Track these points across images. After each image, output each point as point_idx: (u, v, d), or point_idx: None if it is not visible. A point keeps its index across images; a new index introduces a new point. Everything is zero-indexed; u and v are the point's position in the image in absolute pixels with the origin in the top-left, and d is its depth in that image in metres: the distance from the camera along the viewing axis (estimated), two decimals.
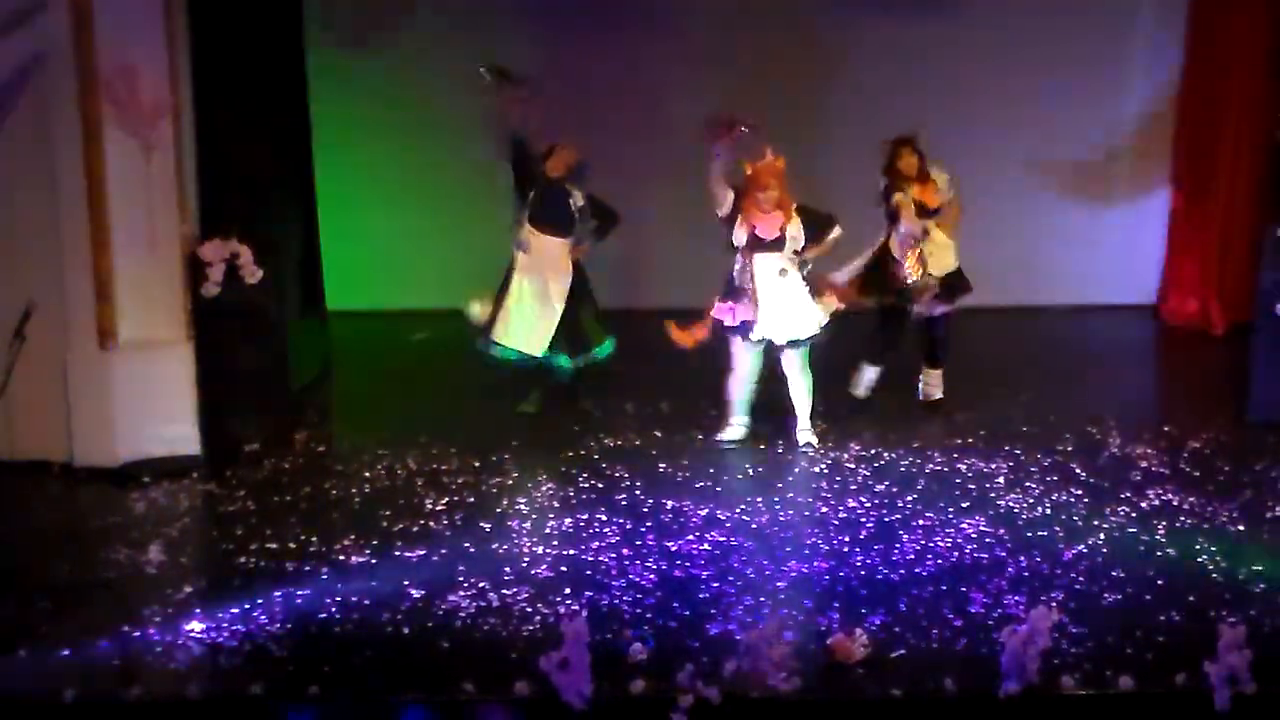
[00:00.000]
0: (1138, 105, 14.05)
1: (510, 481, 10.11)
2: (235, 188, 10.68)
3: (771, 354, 10.63)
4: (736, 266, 10.45)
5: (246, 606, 8.18)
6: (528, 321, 11.03)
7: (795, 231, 10.41)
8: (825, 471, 10.19)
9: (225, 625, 7.99)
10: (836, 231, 10.51)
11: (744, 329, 10.45)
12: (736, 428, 10.78)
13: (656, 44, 13.65)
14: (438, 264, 13.80)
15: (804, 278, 10.50)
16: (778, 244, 10.39)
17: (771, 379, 10.73)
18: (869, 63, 13.56)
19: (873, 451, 10.51)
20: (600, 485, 9.97)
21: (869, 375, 11.43)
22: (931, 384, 11.46)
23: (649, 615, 8.04)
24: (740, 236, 10.39)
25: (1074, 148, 14.02)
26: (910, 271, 10.80)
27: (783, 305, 10.43)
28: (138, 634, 7.92)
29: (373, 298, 13.95)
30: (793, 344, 10.53)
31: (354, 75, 13.53)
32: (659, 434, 10.85)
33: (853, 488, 9.88)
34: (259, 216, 10.84)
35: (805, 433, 10.73)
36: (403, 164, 13.87)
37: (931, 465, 10.25)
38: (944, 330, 11.31)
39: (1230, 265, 13.45)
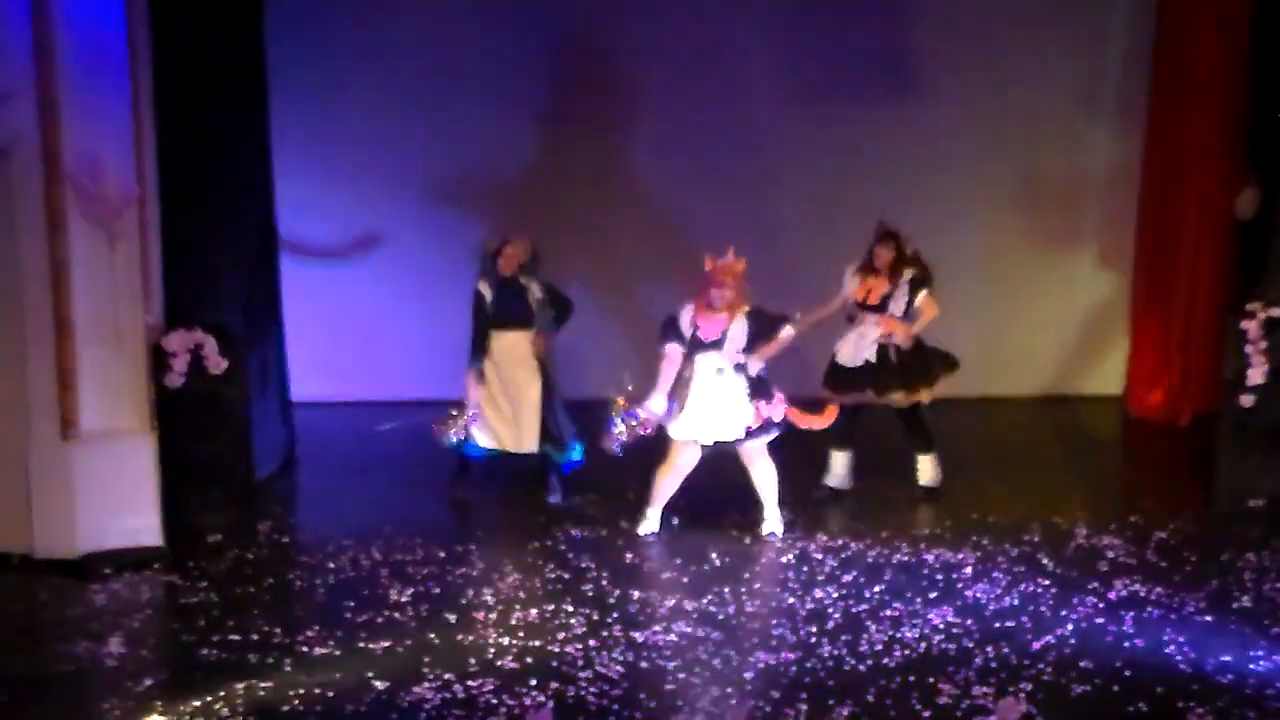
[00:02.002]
0: (1100, 199, 14.19)
1: (475, 572, 10.05)
2: (200, 278, 10.69)
3: (728, 448, 10.62)
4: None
5: (208, 699, 8.08)
6: (505, 420, 11.10)
7: (737, 333, 10.41)
8: (792, 562, 10.16)
9: (186, 718, 7.88)
10: (789, 331, 10.49)
11: (673, 426, 10.48)
12: (653, 522, 10.75)
13: (618, 133, 13.77)
14: (403, 355, 13.81)
15: (747, 381, 10.47)
16: (717, 344, 10.41)
17: (735, 470, 10.72)
18: (832, 153, 13.67)
19: (840, 542, 10.49)
20: (566, 576, 9.92)
21: (840, 462, 11.45)
22: (921, 470, 11.47)
23: (615, 707, 7.97)
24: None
25: (1039, 240, 14.13)
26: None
27: (716, 405, 10.43)
28: None
29: (337, 388, 13.92)
30: (731, 444, 10.52)
31: (323, 166, 13.58)
32: (625, 524, 10.80)
33: (820, 578, 9.84)
34: (224, 307, 10.84)
35: (771, 522, 10.71)
36: (369, 254, 13.90)
37: (899, 556, 10.23)
38: (909, 418, 11.33)
39: (1193, 357, 13.52)
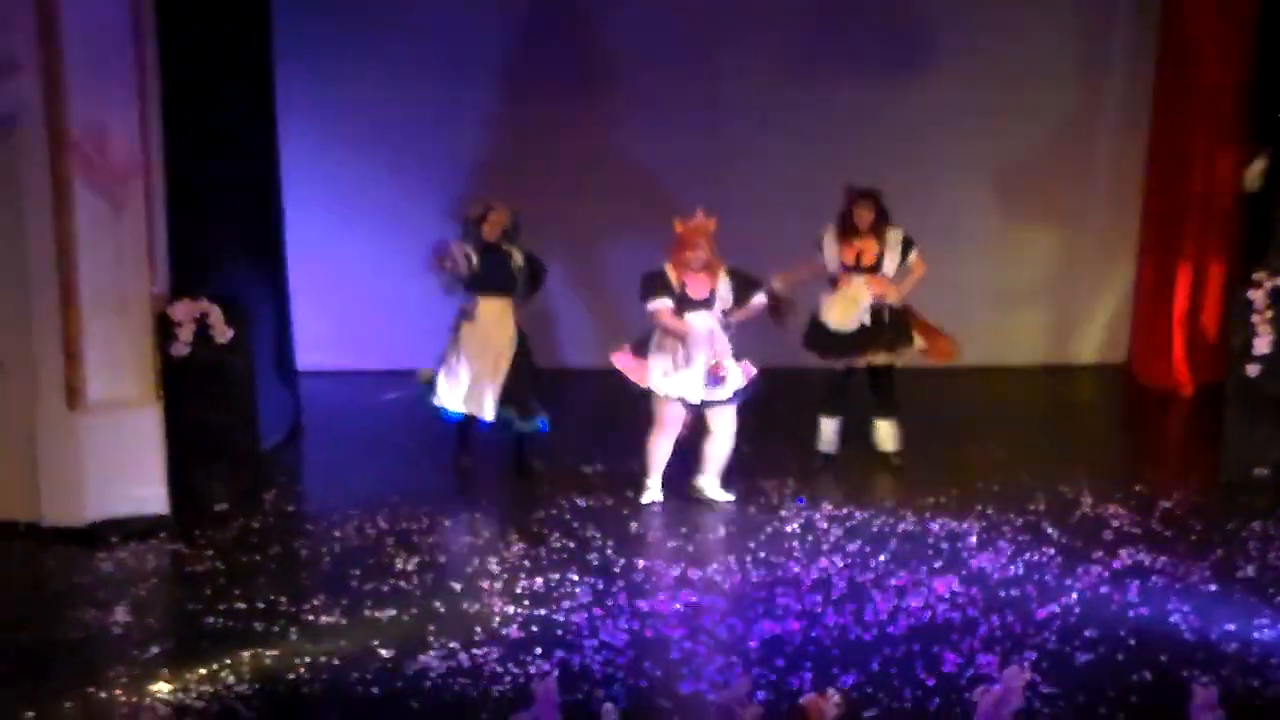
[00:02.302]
0: (1107, 167, 14.15)
1: (480, 541, 10.08)
2: (205, 247, 10.68)
3: (699, 410, 10.62)
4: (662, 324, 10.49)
5: (214, 667, 8.12)
6: (474, 384, 11.06)
7: (724, 291, 10.42)
8: (797, 531, 10.16)
9: (193, 686, 7.92)
10: (762, 298, 10.50)
11: (663, 384, 10.45)
12: (655, 490, 10.73)
13: (612, 101, 13.76)
14: (408, 324, 13.80)
15: (729, 338, 10.47)
16: (707, 303, 10.40)
17: (741, 439, 10.74)
18: (833, 124, 13.62)
19: (844, 511, 10.49)
20: (571, 545, 9.93)
21: (830, 427, 11.45)
22: (881, 436, 11.47)
23: (620, 675, 8.01)
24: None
25: (1045, 209, 14.10)
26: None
27: (705, 364, 10.40)
28: (104, 695, 7.84)
29: (343, 358, 13.92)
30: (717, 405, 10.51)
31: (327, 135, 13.56)
32: (630, 494, 10.81)
33: (825, 547, 9.85)
34: (229, 276, 10.84)
35: (710, 486, 10.71)
36: (374, 224, 13.87)
37: (903, 525, 10.23)
38: (883, 381, 11.35)
39: (1199, 326, 13.50)
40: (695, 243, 10.34)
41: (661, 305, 10.41)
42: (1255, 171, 11.80)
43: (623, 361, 10.58)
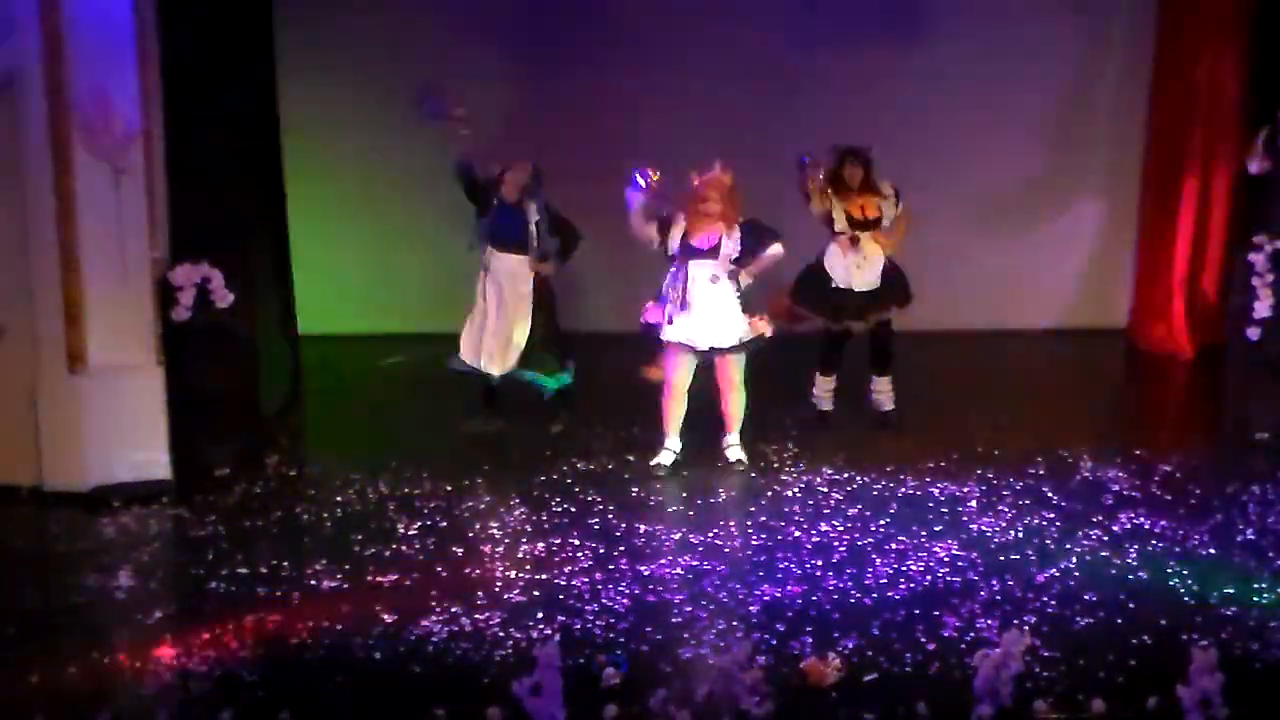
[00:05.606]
0: (1107, 129, 14.14)
1: (482, 505, 10.09)
2: (206, 212, 10.64)
3: (709, 369, 10.59)
4: (670, 271, 10.45)
5: (217, 632, 8.13)
6: (487, 341, 11.05)
7: (733, 245, 10.34)
8: (798, 495, 10.18)
9: (195, 651, 7.93)
10: (777, 249, 10.40)
11: (667, 331, 10.41)
12: (668, 453, 10.69)
13: (623, 67, 13.77)
14: (409, 288, 13.81)
15: (739, 292, 10.40)
16: (712, 252, 10.36)
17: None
18: (837, 89, 13.61)
19: (845, 475, 10.50)
20: (573, 509, 9.95)
21: (825, 385, 11.49)
22: (880, 393, 11.52)
23: (622, 639, 8.01)
24: (675, 243, 10.38)
25: (1045, 171, 14.09)
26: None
27: (711, 313, 10.37)
28: (107, 660, 7.86)
29: (344, 322, 13.92)
30: (723, 352, 10.45)
31: (326, 97, 13.54)
32: (631, 458, 10.83)
33: (825, 511, 9.86)
34: (230, 240, 10.80)
35: (733, 449, 10.71)
36: (374, 189, 13.86)
37: (904, 489, 10.24)
38: (886, 338, 11.37)
39: (1199, 290, 13.51)
40: (705, 195, 10.27)
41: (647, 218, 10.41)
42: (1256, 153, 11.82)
43: (652, 315, 10.55)
